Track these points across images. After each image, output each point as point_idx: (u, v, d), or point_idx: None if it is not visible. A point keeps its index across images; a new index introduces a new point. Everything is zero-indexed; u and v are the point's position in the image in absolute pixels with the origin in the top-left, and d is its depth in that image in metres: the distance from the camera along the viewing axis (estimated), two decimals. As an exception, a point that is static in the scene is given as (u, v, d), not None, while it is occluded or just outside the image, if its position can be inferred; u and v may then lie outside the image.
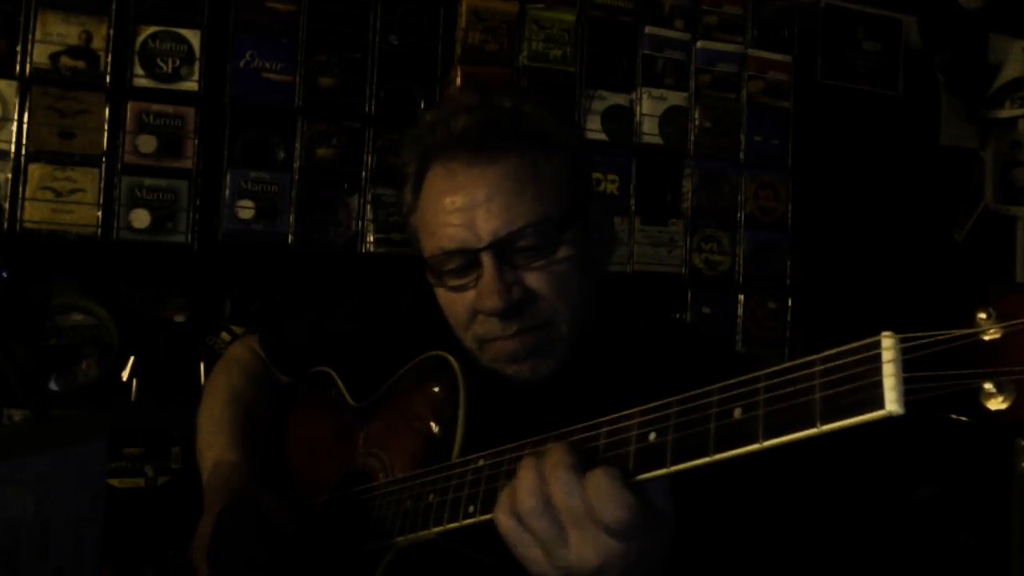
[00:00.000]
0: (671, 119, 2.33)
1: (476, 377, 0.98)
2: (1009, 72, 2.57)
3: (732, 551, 0.91)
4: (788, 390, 0.64)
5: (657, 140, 2.31)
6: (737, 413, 0.66)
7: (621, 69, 2.31)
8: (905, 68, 2.57)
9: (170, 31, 1.97)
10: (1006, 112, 2.60)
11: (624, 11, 2.31)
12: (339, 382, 1.20)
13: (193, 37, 1.98)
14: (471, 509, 0.82)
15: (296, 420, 1.26)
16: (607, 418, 0.75)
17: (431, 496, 0.88)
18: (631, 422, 0.73)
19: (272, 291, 2.04)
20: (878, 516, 2.33)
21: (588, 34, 2.27)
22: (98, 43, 1.92)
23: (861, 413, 0.59)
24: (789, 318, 2.40)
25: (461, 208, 0.97)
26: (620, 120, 2.29)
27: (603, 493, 0.69)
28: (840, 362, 0.62)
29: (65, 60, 1.90)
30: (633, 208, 2.28)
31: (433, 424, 0.98)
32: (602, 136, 2.26)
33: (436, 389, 0.99)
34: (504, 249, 0.96)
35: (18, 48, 1.88)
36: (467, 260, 0.98)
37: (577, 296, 1.00)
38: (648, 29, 2.32)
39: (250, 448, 1.19)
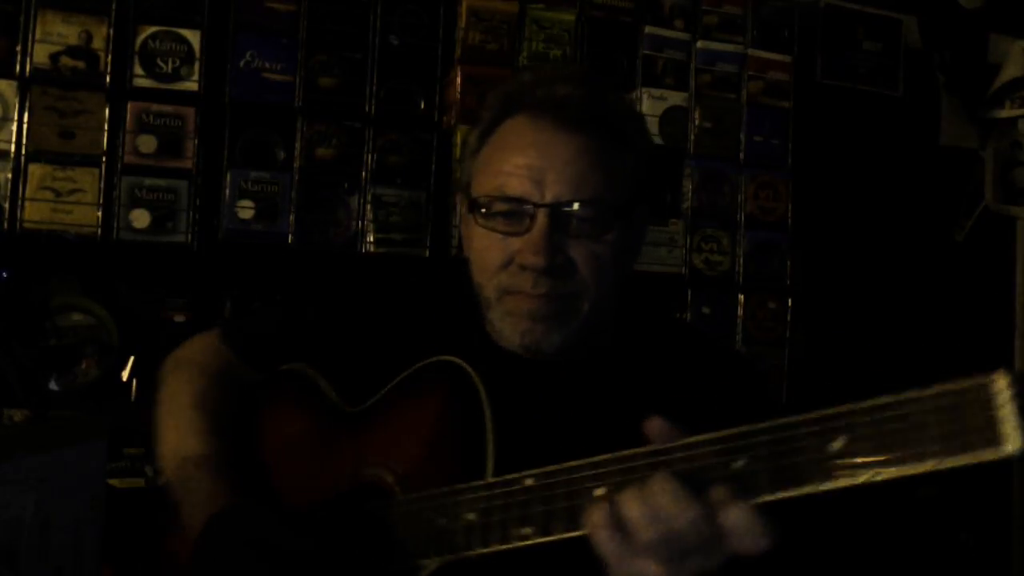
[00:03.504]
0: (671, 119, 2.33)
1: (491, 381, 0.96)
2: (1009, 72, 2.57)
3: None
4: (897, 425, 0.63)
5: (657, 140, 2.31)
6: (837, 445, 0.66)
7: (621, 69, 2.31)
8: (905, 68, 2.57)
9: (170, 31, 1.97)
10: (1006, 112, 2.60)
11: (624, 11, 2.31)
12: (323, 383, 1.14)
13: (193, 37, 1.98)
14: (526, 531, 0.81)
15: (272, 425, 1.15)
16: (679, 443, 0.76)
17: (471, 515, 0.86)
18: (713, 449, 0.73)
19: (272, 291, 2.03)
20: (879, 515, 2.33)
21: (588, 34, 2.27)
22: (98, 43, 1.92)
23: (979, 450, 0.59)
24: (789, 318, 2.40)
25: (535, 163, 1.00)
26: (620, 120, 2.29)
27: (745, 526, 0.70)
28: (951, 400, 0.61)
29: (65, 60, 1.90)
30: (633, 208, 2.27)
31: (457, 436, 0.95)
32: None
33: (453, 398, 0.97)
34: (562, 214, 0.99)
35: (18, 48, 1.88)
36: (521, 211, 1.00)
37: (607, 282, 1.04)
38: (648, 29, 2.32)
39: (225, 459, 1.08)
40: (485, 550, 0.84)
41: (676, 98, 2.33)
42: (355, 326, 1.19)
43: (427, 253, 2.12)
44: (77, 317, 1.88)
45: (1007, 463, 0.58)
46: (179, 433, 1.11)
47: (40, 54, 1.88)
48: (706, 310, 2.34)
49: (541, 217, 0.99)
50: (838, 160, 2.48)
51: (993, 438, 0.58)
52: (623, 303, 1.11)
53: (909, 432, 0.62)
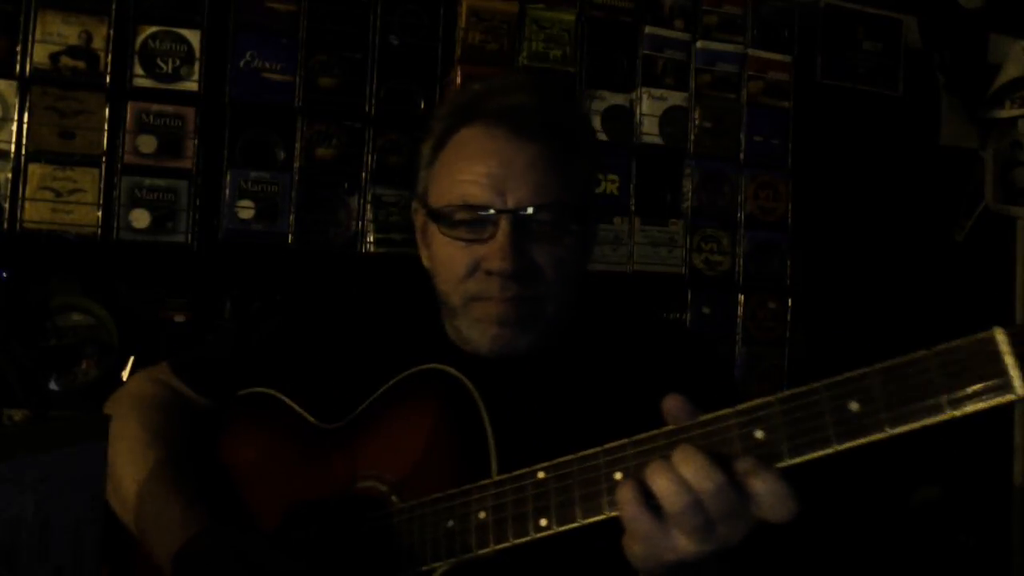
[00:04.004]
0: (671, 119, 2.33)
1: (479, 385, 0.98)
2: (1009, 72, 2.57)
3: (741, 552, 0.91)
4: (907, 382, 0.69)
5: (657, 140, 2.31)
6: (854, 407, 0.70)
7: (621, 69, 2.31)
8: (905, 68, 2.57)
9: (170, 31, 1.97)
10: (1006, 112, 2.60)
11: (624, 11, 2.31)
12: (291, 404, 1.13)
13: (193, 37, 1.98)
14: (543, 523, 0.83)
15: (240, 449, 1.13)
16: (694, 422, 0.77)
17: (482, 514, 0.87)
18: (729, 423, 0.75)
19: (272, 291, 2.03)
20: (879, 517, 2.33)
21: (588, 34, 2.27)
22: (98, 43, 1.92)
23: (991, 398, 0.65)
24: (789, 318, 2.40)
25: (495, 171, 1.02)
26: (620, 120, 2.29)
27: (775, 492, 0.73)
28: (956, 356, 0.67)
29: (65, 60, 1.90)
30: (633, 208, 2.28)
31: (454, 439, 0.96)
32: (602, 136, 2.26)
33: (444, 403, 0.98)
34: (524, 218, 1.02)
35: (18, 48, 1.88)
36: (484, 218, 1.03)
37: (569, 283, 1.07)
38: (648, 29, 2.32)
39: (192, 490, 1.06)
40: (499, 547, 0.85)
41: (676, 98, 2.33)
42: (313, 342, 1.18)
43: (427, 253, 2.12)
44: (77, 317, 1.88)
45: (1007, 462, 0.60)
46: (137, 467, 1.08)
47: (40, 54, 1.88)
48: (706, 310, 2.34)
49: (504, 223, 1.01)
50: (838, 160, 2.48)
51: (1005, 384, 0.65)
52: (580, 299, 1.13)
53: (922, 387, 0.67)
